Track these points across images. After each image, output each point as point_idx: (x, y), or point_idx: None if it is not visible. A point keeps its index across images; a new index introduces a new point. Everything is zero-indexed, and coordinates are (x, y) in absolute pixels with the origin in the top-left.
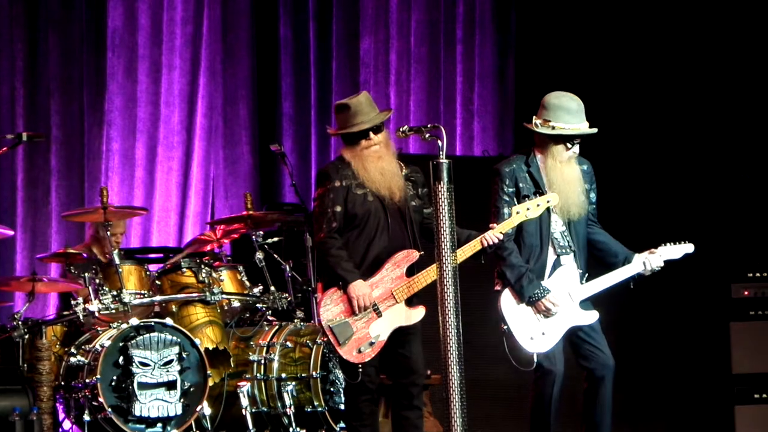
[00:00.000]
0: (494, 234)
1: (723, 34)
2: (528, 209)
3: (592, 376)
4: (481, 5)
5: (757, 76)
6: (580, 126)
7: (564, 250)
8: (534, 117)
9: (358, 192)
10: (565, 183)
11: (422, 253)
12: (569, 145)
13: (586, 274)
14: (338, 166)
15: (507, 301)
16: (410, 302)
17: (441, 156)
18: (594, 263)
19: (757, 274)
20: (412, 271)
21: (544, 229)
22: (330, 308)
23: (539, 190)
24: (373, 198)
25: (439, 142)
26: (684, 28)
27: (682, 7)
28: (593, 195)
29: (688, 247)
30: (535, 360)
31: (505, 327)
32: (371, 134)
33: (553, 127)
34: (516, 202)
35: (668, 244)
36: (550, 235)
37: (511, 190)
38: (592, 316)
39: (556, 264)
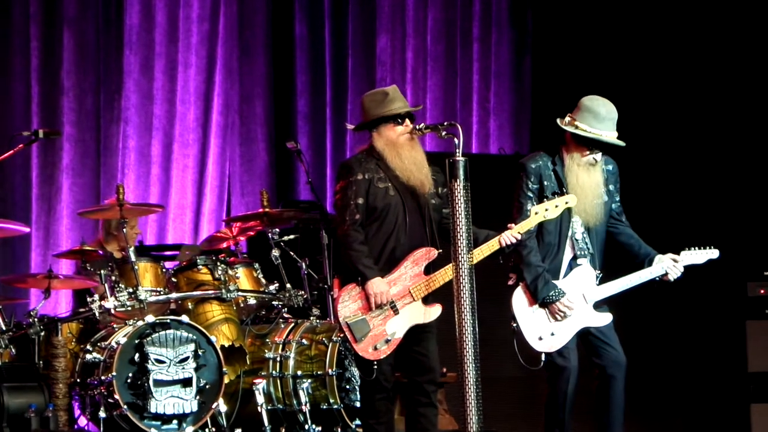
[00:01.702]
0: (512, 234)
1: (737, 35)
2: (546, 210)
3: (604, 373)
4: (497, 3)
5: (753, 66)
6: (602, 132)
7: (582, 252)
8: (567, 114)
9: (380, 186)
10: (579, 187)
11: (441, 251)
12: (588, 150)
13: (600, 276)
14: (361, 159)
15: (519, 299)
16: (426, 300)
17: (457, 154)
18: (617, 263)
19: None
20: (428, 269)
21: (563, 228)
22: (348, 304)
23: (562, 190)
24: (395, 193)
25: (456, 140)
26: (700, 28)
27: (703, 5)
28: (617, 195)
29: (713, 253)
30: (543, 359)
31: (515, 325)
32: (407, 120)
33: (576, 127)
34: (537, 200)
35: (693, 248)
36: (569, 235)
37: (535, 186)
38: (605, 318)
39: (573, 264)
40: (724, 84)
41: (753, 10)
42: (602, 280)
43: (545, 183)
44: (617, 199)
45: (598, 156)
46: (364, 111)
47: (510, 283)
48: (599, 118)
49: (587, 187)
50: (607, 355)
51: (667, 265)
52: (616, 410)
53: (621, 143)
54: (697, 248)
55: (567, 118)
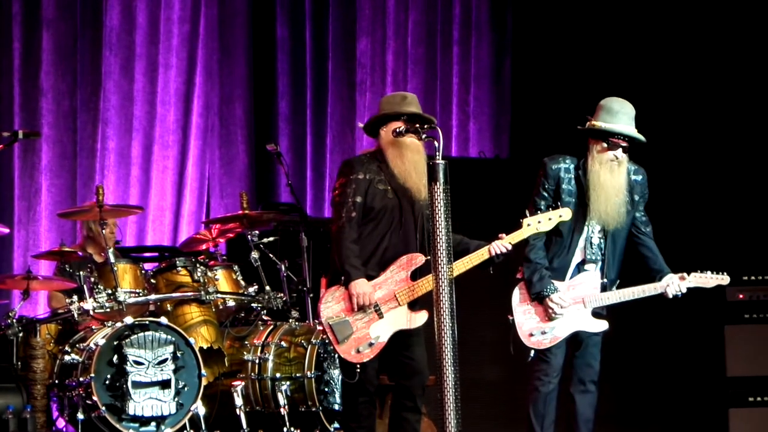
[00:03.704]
0: (503, 244)
1: (723, 36)
2: (539, 222)
3: (574, 377)
4: (477, 7)
5: (742, 68)
6: (614, 125)
7: (593, 257)
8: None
9: (379, 187)
10: (601, 188)
11: (428, 258)
12: (606, 145)
13: (616, 283)
14: (363, 160)
15: (517, 294)
16: (413, 306)
17: (437, 157)
18: (633, 273)
19: (752, 278)
20: (415, 275)
21: (576, 232)
22: (331, 305)
23: (580, 195)
24: (393, 196)
25: (436, 143)
26: (682, 29)
27: (681, 8)
28: (642, 205)
29: (723, 279)
30: (531, 355)
31: (511, 318)
32: (416, 124)
33: (593, 125)
34: (552, 201)
35: (707, 272)
36: (581, 238)
37: (551, 188)
38: (600, 326)
39: (581, 268)
40: (707, 88)
41: (740, 15)
42: (618, 288)
43: (562, 186)
44: (641, 208)
45: (619, 153)
46: (379, 107)
47: (518, 276)
48: (612, 112)
49: (608, 187)
50: (581, 359)
51: (672, 287)
52: (580, 416)
53: (635, 134)
54: (710, 272)
55: (587, 123)
